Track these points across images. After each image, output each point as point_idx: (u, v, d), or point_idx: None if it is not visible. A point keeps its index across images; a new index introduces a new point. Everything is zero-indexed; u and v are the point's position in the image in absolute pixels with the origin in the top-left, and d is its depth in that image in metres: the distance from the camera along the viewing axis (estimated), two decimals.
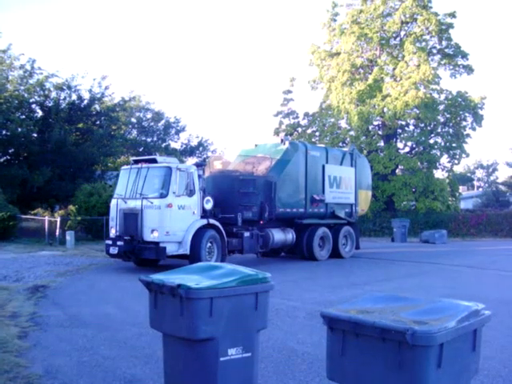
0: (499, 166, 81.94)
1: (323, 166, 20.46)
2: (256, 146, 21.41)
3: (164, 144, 44.08)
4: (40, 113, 33.33)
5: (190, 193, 15.92)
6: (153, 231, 15.21)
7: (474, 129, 40.95)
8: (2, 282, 13.47)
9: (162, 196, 15.42)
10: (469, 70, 41.49)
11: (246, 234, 17.63)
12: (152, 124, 45.41)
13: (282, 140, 20.54)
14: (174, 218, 15.40)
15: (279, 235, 19.02)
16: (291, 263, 19.08)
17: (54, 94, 33.16)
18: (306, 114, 44.21)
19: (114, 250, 15.64)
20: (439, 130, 41.31)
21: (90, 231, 26.68)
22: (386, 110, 38.43)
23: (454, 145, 40.66)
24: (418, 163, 39.54)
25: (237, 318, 4.63)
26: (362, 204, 22.92)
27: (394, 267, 18.56)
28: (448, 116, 40.85)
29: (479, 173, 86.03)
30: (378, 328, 3.40)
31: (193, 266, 5.43)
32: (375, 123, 41.70)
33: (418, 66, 38.18)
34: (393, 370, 3.41)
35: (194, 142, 46.85)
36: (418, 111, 38.12)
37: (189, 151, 46.05)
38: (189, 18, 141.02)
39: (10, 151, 32.24)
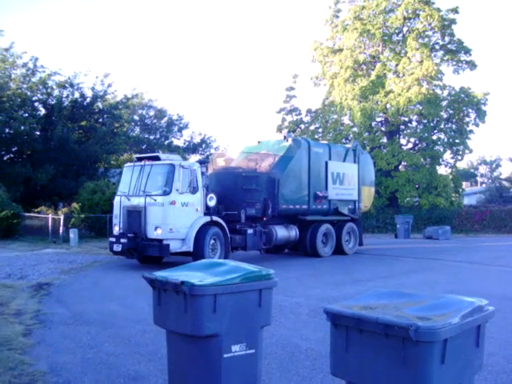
0: (502, 162, 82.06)
1: (326, 163, 20.45)
2: (259, 142, 21.40)
3: (167, 141, 44.15)
4: (43, 111, 33.36)
5: (193, 190, 15.94)
6: (156, 228, 15.24)
7: (477, 125, 40.86)
8: (6, 279, 13.51)
9: (166, 193, 15.44)
10: (472, 65, 41.40)
11: (250, 230, 17.65)
12: (155, 121, 45.46)
13: (284, 137, 20.53)
14: (177, 215, 15.42)
15: (282, 232, 19.03)
16: (294, 260, 19.09)
17: (56, 92, 33.20)
18: (309, 111, 44.18)
19: (117, 248, 15.68)
20: (442, 126, 41.24)
21: (94, 229, 26.73)
22: (388, 106, 38.39)
23: (457, 141, 40.57)
24: (421, 159, 39.48)
25: (240, 315, 4.63)
26: (365, 200, 22.91)
27: (398, 263, 18.55)
28: (451, 112, 40.77)
29: (482, 169, 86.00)
30: (382, 324, 3.40)
31: (196, 263, 5.44)
32: (378, 119, 41.65)
33: (421, 61, 38.11)
34: (396, 365, 3.41)
35: (197, 139, 46.91)
36: (420, 107, 38.04)
37: (192, 148, 46.10)
38: (191, 15, 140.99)
39: (13, 149, 32.31)
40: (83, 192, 27.19)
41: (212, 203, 16.54)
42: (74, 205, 26.98)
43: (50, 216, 25.34)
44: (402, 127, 42.02)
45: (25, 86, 32.19)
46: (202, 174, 16.46)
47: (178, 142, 46.06)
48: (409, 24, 41.00)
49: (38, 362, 6.56)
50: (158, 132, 44.95)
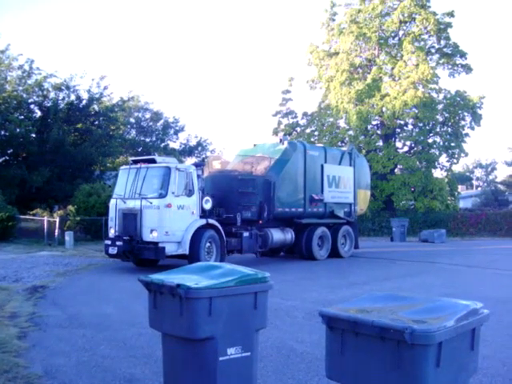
0: (498, 166, 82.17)
1: (322, 166, 20.46)
2: (255, 145, 21.41)
3: (163, 144, 44.09)
4: (38, 113, 33.28)
5: (189, 193, 15.93)
6: (152, 231, 15.22)
7: (472, 128, 40.99)
8: (1, 282, 13.47)
9: (161, 196, 15.42)
10: (467, 69, 41.55)
11: (245, 233, 17.64)
12: (151, 124, 45.41)
13: (280, 140, 20.55)
14: (173, 218, 15.41)
15: (278, 235, 19.03)
16: (290, 263, 19.09)
17: (52, 95, 33.12)
18: (305, 114, 44.22)
19: (113, 250, 15.65)
20: (438, 130, 41.33)
21: (89, 231, 26.68)
22: (384, 109, 38.46)
23: (452, 144, 40.68)
24: (417, 162, 39.56)
25: (236, 318, 4.63)
26: (360, 203, 22.93)
27: (393, 267, 18.57)
28: (447, 115, 40.88)
29: (478, 172, 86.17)
30: (377, 327, 3.41)
31: (192, 266, 5.43)
32: (374, 123, 41.73)
33: (417, 65, 38.22)
34: (392, 368, 3.41)
35: (193, 142, 46.85)
36: (416, 111, 38.15)
37: (188, 151, 46.05)
38: (187, 18, 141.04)
39: (8, 152, 32.21)
40: (79, 194, 27.13)
41: (208, 206, 16.53)
42: (70, 207, 26.93)
43: (46, 218, 25.29)
44: (398, 130, 42.10)
45: (20, 88, 32.11)
46: (198, 176, 16.45)
47: (174, 144, 46.03)
48: (405, 27, 41.13)
49: (32, 365, 6.54)
50: (153, 135, 44.89)
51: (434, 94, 40.19)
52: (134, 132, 44.72)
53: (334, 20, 43.15)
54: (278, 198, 18.58)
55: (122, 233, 15.77)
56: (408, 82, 37.49)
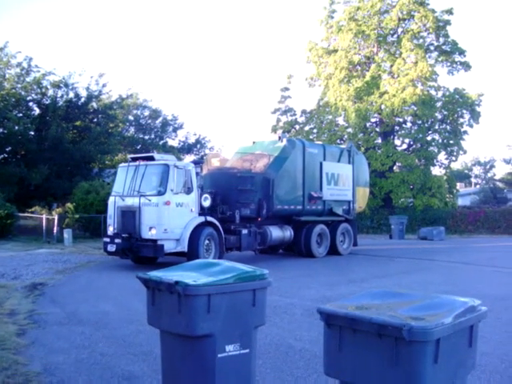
0: (496, 163, 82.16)
1: (321, 163, 20.46)
2: (254, 143, 21.41)
3: (161, 141, 44.05)
4: (37, 111, 33.25)
5: (188, 190, 15.94)
6: (151, 229, 15.22)
7: (471, 126, 40.98)
8: (0, 279, 13.47)
9: (160, 193, 15.43)
10: (466, 66, 41.54)
11: (244, 231, 17.66)
12: (149, 121, 45.36)
13: (279, 137, 20.53)
14: (171, 216, 15.42)
15: (277, 232, 19.04)
16: (289, 260, 19.11)
17: (51, 92, 33.08)
18: (304, 112, 44.18)
19: (111, 248, 15.66)
20: (437, 127, 41.34)
21: (88, 229, 26.69)
22: (383, 107, 38.45)
23: (451, 142, 40.69)
24: (416, 160, 39.55)
25: (234, 315, 4.64)
26: (359, 201, 22.93)
27: (392, 264, 18.59)
28: (445, 113, 40.88)
29: (477, 170, 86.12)
30: (375, 324, 3.41)
31: (190, 263, 5.44)
32: (373, 120, 41.70)
33: (416, 62, 38.18)
34: (390, 365, 3.42)
35: (192, 140, 46.86)
36: (415, 108, 38.11)
37: (186, 149, 46.02)
38: (186, 15, 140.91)
39: (7, 149, 32.19)
40: (77, 192, 27.13)
41: (206, 203, 16.54)
42: (69, 205, 26.92)
43: (44, 216, 25.29)
44: (397, 128, 42.08)
45: (19, 85, 32.08)
46: (197, 174, 16.47)
47: (173, 142, 46.01)
48: (403, 25, 41.10)
49: (31, 362, 6.55)
50: (152, 132, 44.86)
51: (432, 92, 40.18)
52: (132, 129, 44.69)
53: (332, 17, 43.09)
54: (277, 195, 18.58)
55: (120, 230, 15.78)
56: (407, 79, 37.47)
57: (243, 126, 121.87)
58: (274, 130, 42.46)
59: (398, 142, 42.32)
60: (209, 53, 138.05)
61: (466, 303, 3.71)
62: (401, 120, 41.02)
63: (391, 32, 41.51)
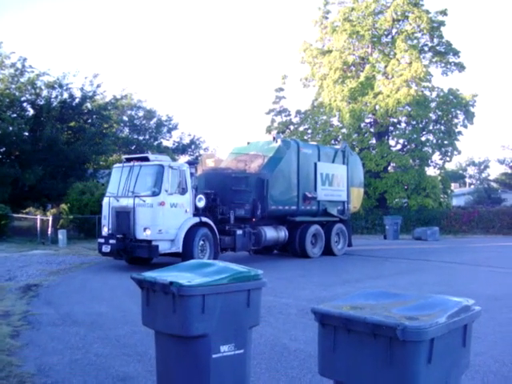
0: (491, 163, 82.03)
1: (315, 164, 20.48)
2: (248, 143, 21.44)
3: (156, 142, 43.97)
4: (31, 111, 33.13)
5: (183, 191, 15.94)
6: (145, 229, 15.21)
7: (465, 126, 41.10)
8: None
9: (155, 194, 15.42)
10: (460, 67, 41.69)
11: (239, 231, 17.66)
12: (144, 122, 45.28)
13: (274, 138, 20.56)
14: (166, 216, 15.41)
15: (271, 233, 19.05)
16: (284, 261, 19.12)
17: (45, 93, 32.97)
18: (298, 112, 44.21)
19: (106, 249, 15.64)
20: (431, 128, 41.45)
21: (83, 230, 26.65)
22: (377, 107, 38.53)
23: (445, 142, 40.81)
24: (410, 160, 39.64)
25: (229, 315, 4.64)
26: (354, 201, 22.96)
27: (387, 264, 18.62)
28: (440, 113, 40.98)
29: (471, 170, 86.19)
30: (369, 324, 3.42)
31: (185, 264, 5.43)
32: (367, 121, 41.80)
33: (410, 63, 38.29)
34: (384, 365, 3.42)
35: (186, 140, 46.79)
36: (409, 109, 38.22)
37: (181, 149, 45.97)
38: (180, 16, 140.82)
39: (1, 150, 32.04)
40: (72, 193, 27.08)
41: (201, 204, 16.54)
42: (63, 206, 26.87)
43: (39, 217, 25.23)
44: (391, 128, 42.17)
45: (13, 86, 31.96)
46: (192, 174, 16.47)
47: (168, 142, 45.93)
48: (398, 26, 41.21)
49: (25, 364, 6.53)
50: (147, 133, 44.77)
51: (427, 92, 40.30)
52: (127, 130, 44.60)
53: (327, 18, 43.15)
54: (272, 195, 18.60)
55: (115, 231, 15.76)
56: (401, 80, 37.56)
57: (238, 126, 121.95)
58: (269, 130, 42.47)
59: (392, 142, 42.43)
60: (203, 53, 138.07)
61: (459, 303, 3.72)
62: (395, 120, 41.12)
63: (385, 33, 41.63)
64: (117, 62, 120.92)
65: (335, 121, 42.28)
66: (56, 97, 33.38)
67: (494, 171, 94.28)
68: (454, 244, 29.23)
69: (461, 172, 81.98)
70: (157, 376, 4.98)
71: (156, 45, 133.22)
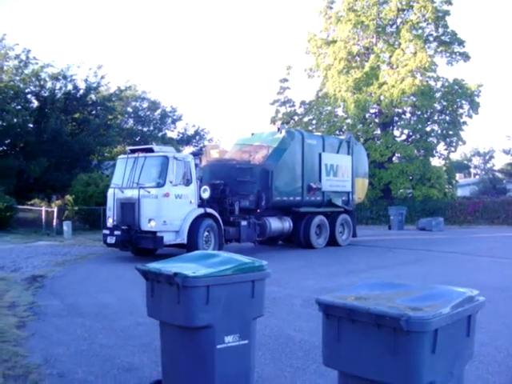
0: (496, 154, 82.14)
1: (320, 155, 20.45)
2: (252, 134, 21.40)
3: (160, 133, 44.00)
4: (36, 103, 33.21)
5: (187, 182, 15.94)
6: (150, 220, 15.24)
7: (470, 116, 40.96)
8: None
9: (159, 185, 15.43)
10: (465, 57, 41.50)
11: (243, 222, 17.68)
12: (148, 113, 45.29)
13: (278, 128, 20.51)
14: (171, 208, 15.42)
15: (276, 224, 19.06)
16: (288, 251, 19.13)
17: (49, 84, 33.03)
18: (303, 103, 44.14)
19: (111, 240, 15.69)
20: (436, 118, 41.34)
21: (87, 221, 26.72)
22: (382, 97, 38.43)
23: (450, 132, 40.70)
24: (415, 151, 39.58)
25: (233, 306, 4.65)
26: (358, 192, 22.93)
27: (391, 255, 18.61)
28: (445, 103, 40.83)
29: (476, 160, 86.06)
30: (373, 314, 3.42)
31: (189, 255, 5.44)
32: (372, 111, 41.72)
33: (415, 53, 38.16)
34: (388, 355, 3.43)
35: (191, 131, 46.80)
36: (414, 99, 38.15)
37: (185, 140, 46.00)
38: (184, 6, 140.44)
39: (6, 142, 32.17)
40: (77, 184, 27.13)
41: (206, 195, 16.54)
42: (68, 197, 26.94)
43: (44, 208, 25.30)
44: (396, 119, 42.07)
45: (17, 78, 32.02)
46: (196, 165, 16.44)
47: (172, 133, 45.97)
48: (402, 15, 41.01)
49: (32, 354, 6.56)
50: (151, 124, 44.80)
51: (431, 82, 40.18)
52: (131, 121, 44.64)
53: (331, 8, 43.01)
54: (276, 186, 18.59)
55: (120, 222, 15.79)
56: (406, 70, 37.44)
57: (242, 117, 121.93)
58: (273, 121, 42.44)
59: (397, 132, 42.35)
60: (207, 44, 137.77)
61: (463, 293, 3.72)
62: (400, 111, 41.00)
63: (390, 22, 41.44)
64: (121, 54, 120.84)
65: (340, 111, 42.21)
66: (60, 88, 33.43)
67: (499, 161, 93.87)
68: (459, 234, 29.20)
69: (466, 162, 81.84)
70: (162, 366, 4.99)
71: (160, 36, 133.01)
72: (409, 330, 3.27)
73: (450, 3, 40.45)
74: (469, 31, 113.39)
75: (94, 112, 35.92)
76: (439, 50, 41.62)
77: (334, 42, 41.74)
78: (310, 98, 44.57)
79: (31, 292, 10.86)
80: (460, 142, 41.57)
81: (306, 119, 43.35)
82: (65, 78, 33.19)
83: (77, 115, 35.02)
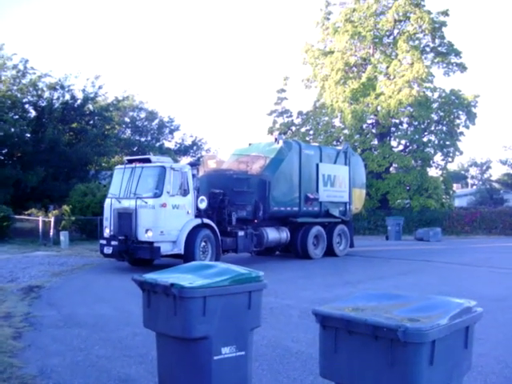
0: (493, 164, 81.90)
1: (317, 165, 20.47)
2: (250, 144, 21.43)
3: (158, 143, 44.03)
4: (33, 113, 33.22)
5: (184, 192, 15.93)
6: (147, 231, 15.20)
7: (467, 127, 41.03)
8: None
9: (156, 195, 15.41)
10: (462, 68, 41.61)
11: (241, 233, 17.64)
12: (146, 123, 45.35)
13: (275, 139, 20.55)
14: (168, 218, 15.39)
15: (273, 234, 19.04)
16: (285, 262, 19.10)
17: (47, 94, 33.05)
18: (300, 113, 44.21)
19: (108, 250, 15.64)
20: (433, 128, 41.38)
21: (85, 231, 26.65)
22: (379, 108, 38.49)
23: (447, 143, 40.75)
24: (412, 161, 39.62)
25: (230, 317, 4.64)
26: (356, 202, 22.93)
27: (389, 265, 18.59)
28: (441, 114, 40.91)
29: (473, 170, 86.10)
30: (370, 325, 3.42)
31: (186, 266, 5.43)
32: (369, 122, 41.77)
33: (412, 64, 38.27)
34: (385, 367, 3.42)
35: (188, 142, 46.85)
36: (411, 109, 38.21)
37: (183, 150, 46.02)
38: (181, 17, 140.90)
39: (3, 151, 32.11)
40: (74, 194, 27.09)
41: (203, 205, 16.51)
42: (65, 207, 26.87)
43: (41, 218, 25.23)
44: (393, 129, 42.15)
45: (15, 87, 32.04)
46: (193, 176, 16.44)
47: (169, 144, 46.00)
48: (399, 26, 41.17)
49: (27, 365, 6.53)
50: (149, 134, 44.85)
51: (428, 93, 40.26)
52: (128, 131, 44.68)
53: (328, 19, 43.12)
54: (273, 197, 18.59)
55: (117, 232, 15.75)
56: (403, 80, 37.54)
57: (239, 127, 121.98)
58: (271, 131, 42.50)
59: (394, 143, 42.39)
60: (205, 54, 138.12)
61: (461, 304, 3.72)
62: (397, 121, 41.08)
63: (387, 33, 41.59)
64: (118, 64, 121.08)
65: (337, 122, 42.27)
66: (58, 98, 33.46)
67: (496, 172, 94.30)
68: (456, 245, 29.18)
69: (463, 173, 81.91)
70: (158, 378, 4.98)
71: (158, 46, 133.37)
72: (406, 342, 3.27)
73: (447, 14, 40.62)
74: (465, 42, 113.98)
75: (91, 122, 35.93)
76: (436, 60, 41.74)
77: (332, 52, 41.87)
78: (308, 108, 44.70)
79: (27, 302, 10.81)
80: (457, 153, 41.64)
81: (303, 129, 43.40)
82: (62, 87, 33.23)
83: (74, 125, 35.04)
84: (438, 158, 42.13)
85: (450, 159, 42.43)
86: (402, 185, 38.75)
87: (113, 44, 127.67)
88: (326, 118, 42.04)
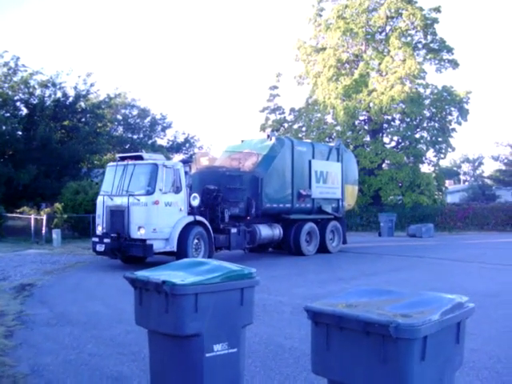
0: (485, 160, 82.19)
1: (310, 162, 20.49)
2: (242, 141, 21.42)
3: (150, 141, 43.92)
4: (25, 110, 33.06)
5: (177, 189, 15.90)
6: (139, 228, 15.17)
7: (459, 123, 41.18)
8: None
9: (149, 193, 15.38)
10: (454, 64, 41.72)
11: (233, 230, 17.64)
12: (138, 121, 45.22)
13: (268, 135, 20.57)
14: (160, 215, 15.37)
15: (266, 231, 19.04)
16: (278, 259, 19.11)
17: (38, 92, 32.92)
18: (292, 110, 44.21)
19: (100, 248, 15.61)
20: (425, 125, 41.51)
21: (77, 229, 26.58)
22: (371, 104, 38.54)
23: (439, 139, 40.88)
24: (405, 158, 39.72)
25: (222, 314, 4.62)
26: (348, 199, 22.97)
27: (381, 261, 18.64)
28: (434, 110, 41.04)
29: (465, 167, 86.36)
30: (362, 321, 3.41)
31: (178, 263, 5.42)
32: (361, 118, 41.84)
33: (404, 60, 38.32)
34: (377, 363, 3.41)
35: (181, 139, 46.78)
36: (403, 106, 38.27)
37: (175, 148, 45.94)
38: (174, 14, 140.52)
39: None
40: (66, 192, 27.01)
41: (195, 203, 16.49)
42: (57, 205, 26.77)
43: (33, 216, 25.13)
44: (385, 126, 42.23)
45: (6, 85, 31.89)
46: (186, 173, 16.42)
47: (162, 141, 45.90)
48: (392, 23, 41.20)
49: (19, 364, 6.50)
50: (141, 131, 44.72)
51: (421, 90, 40.35)
52: (121, 129, 44.54)
53: (321, 15, 43.12)
54: (266, 193, 18.60)
55: (109, 230, 15.72)
56: (395, 77, 37.59)
57: (232, 124, 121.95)
58: (263, 128, 42.48)
59: (386, 139, 42.50)
60: (197, 51, 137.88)
61: (453, 300, 3.72)
62: (389, 118, 41.16)
63: (379, 30, 41.64)
64: (110, 61, 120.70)
65: (329, 118, 42.28)
66: (49, 96, 33.33)
67: (488, 168, 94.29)
68: (449, 241, 29.28)
69: (455, 169, 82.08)
70: (150, 375, 4.96)
71: (150, 43, 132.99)
72: (398, 337, 3.26)
73: (439, 11, 40.70)
74: (457, 39, 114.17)
75: (83, 119, 35.82)
76: (428, 57, 41.83)
77: (324, 49, 41.88)
78: (300, 105, 44.72)
79: (19, 301, 10.77)
80: (449, 149, 41.76)
81: (295, 126, 43.43)
82: (54, 85, 33.11)
83: (66, 123, 34.90)
84: (431, 154, 42.32)
85: (442, 155, 42.57)
86: (395, 181, 38.82)
87: (105, 41, 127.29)
88: (319, 115, 42.07)
